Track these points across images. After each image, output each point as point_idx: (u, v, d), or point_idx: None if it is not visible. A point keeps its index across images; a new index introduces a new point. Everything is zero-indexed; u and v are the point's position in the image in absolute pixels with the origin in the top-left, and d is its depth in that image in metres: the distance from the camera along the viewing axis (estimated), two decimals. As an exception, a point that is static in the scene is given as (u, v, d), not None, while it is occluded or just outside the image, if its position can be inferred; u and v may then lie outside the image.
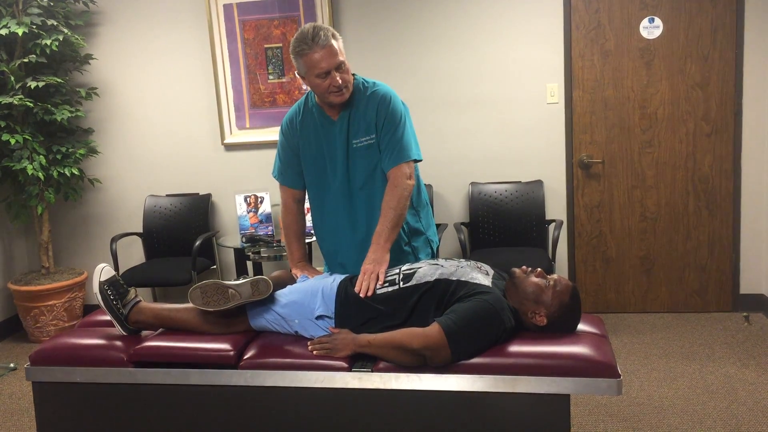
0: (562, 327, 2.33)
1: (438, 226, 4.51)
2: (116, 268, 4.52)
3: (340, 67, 2.47)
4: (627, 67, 4.40)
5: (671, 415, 3.20)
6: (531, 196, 4.51)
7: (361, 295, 2.38)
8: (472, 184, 4.59)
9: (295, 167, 2.77)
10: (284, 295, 2.45)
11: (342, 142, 2.62)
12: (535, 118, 4.52)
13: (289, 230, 2.88)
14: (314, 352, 2.29)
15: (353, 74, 2.61)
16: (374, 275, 2.43)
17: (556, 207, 4.59)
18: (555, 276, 2.36)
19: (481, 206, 4.54)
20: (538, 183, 4.52)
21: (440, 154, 4.64)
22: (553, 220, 4.44)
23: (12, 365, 4.19)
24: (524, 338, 2.29)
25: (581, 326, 2.42)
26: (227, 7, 4.62)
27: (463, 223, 4.54)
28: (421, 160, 2.69)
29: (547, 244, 4.45)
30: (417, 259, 2.71)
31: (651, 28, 4.34)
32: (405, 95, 4.59)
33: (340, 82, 2.48)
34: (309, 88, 2.61)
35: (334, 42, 2.46)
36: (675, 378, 3.59)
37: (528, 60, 4.47)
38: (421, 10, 4.52)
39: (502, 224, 4.51)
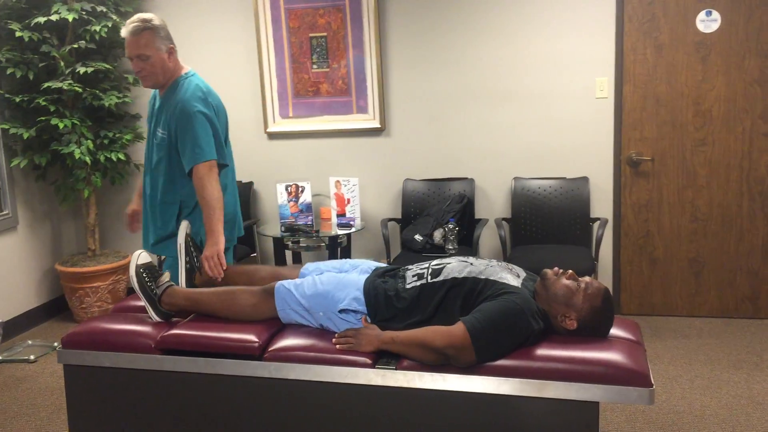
0: (593, 331, 2.25)
1: (478, 221, 4.44)
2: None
3: (140, 57, 2.83)
4: (681, 61, 4.23)
5: (712, 425, 3.08)
6: (576, 192, 4.39)
7: (216, 276, 2.70)
8: (515, 179, 4.49)
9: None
10: (310, 286, 2.43)
11: (152, 124, 3.01)
12: (582, 112, 4.40)
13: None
14: (338, 346, 2.27)
15: (189, 72, 2.96)
16: (214, 259, 2.72)
17: (601, 205, 4.46)
18: (587, 278, 2.28)
19: (524, 202, 4.44)
20: (584, 180, 4.40)
21: (483, 148, 4.56)
22: (598, 219, 4.32)
23: (56, 344, 4.29)
24: (553, 342, 2.22)
25: (614, 331, 2.33)
26: (273, -4, 4.62)
27: (504, 219, 4.46)
28: (213, 160, 2.85)
29: (590, 243, 4.33)
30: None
31: (708, 22, 4.16)
32: (448, 86, 4.54)
33: (136, 69, 2.86)
34: None
35: (144, 34, 2.81)
36: (719, 386, 3.46)
37: (577, 53, 4.34)
38: (469, 0, 4.43)
39: (545, 221, 4.40)
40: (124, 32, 2.85)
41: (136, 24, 2.82)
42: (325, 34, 4.61)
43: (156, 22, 2.85)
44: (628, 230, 4.47)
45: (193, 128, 2.82)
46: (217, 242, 2.76)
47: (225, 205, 2.91)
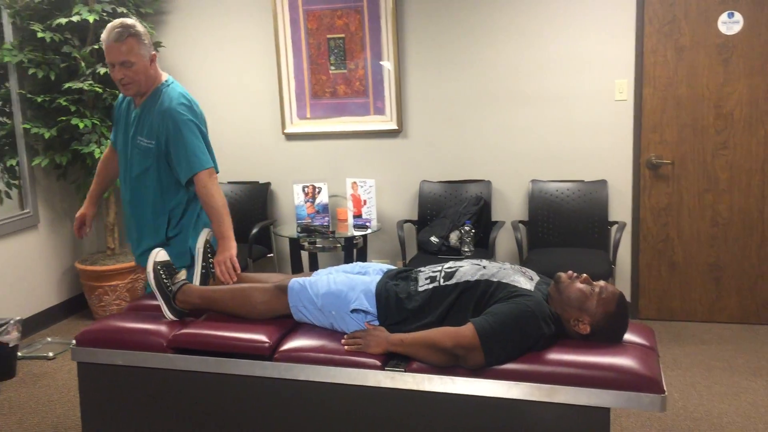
0: (606, 336, 2.22)
1: (495, 223, 4.41)
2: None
3: (124, 64, 2.74)
4: (702, 64, 4.17)
5: (729, 434, 3.03)
6: (594, 196, 4.35)
7: (231, 281, 2.68)
8: (533, 181, 4.46)
9: None
10: (323, 285, 2.43)
11: (131, 133, 2.90)
12: (601, 115, 4.35)
13: (99, 169, 3.25)
14: (346, 348, 2.27)
15: (169, 80, 2.90)
16: (227, 264, 2.71)
17: (620, 208, 4.41)
18: (601, 283, 2.26)
19: (541, 205, 4.41)
20: (602, 183, 4.36)
21: (501, 150, 4.53)
22: (616, 222, 4.27)
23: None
24: (565, 346, 2.20)
25: (628, 336, 2.30)
26: (292, -3, 4.63)
27: (521, 221, 4.43)
28: (211, 167, 2.85)
29: (608, 247, 4.28)
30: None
31: (730, 24, 4.10)
32: (466, 88, 4.52)
33: (119, 76, 2.76)
34: None
35: (128, 40, 2.72)
36: (738, 393, 3.40)
37: (596, 54, 4.30)
38: (486, 1, 4.41)
39: (562, 224, 4.36)
40: (105, 38, 2.75)
41: (119, 30, 2.73)
42: (343, 35, 4.62)
43: (139, 28, 2.78)
44: (647, 234, 4.42)
45: (185, 137, 2.79)
46: (230, 247, 2.76)
47: (189, 229, 2.94)
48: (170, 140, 2.79)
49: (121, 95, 3.02)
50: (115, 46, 2.72)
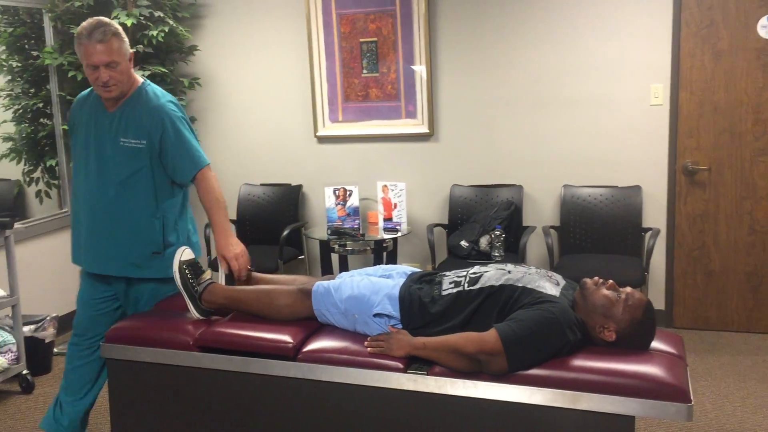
0: (632, 344, 2.19)
1: (525, 228, 4.38)
2: (208, 253, 4.68)
3: (109, 65, 2.59)
4: (741, 68, 4.08)
5: (763, 447, 2.96)
6: (628, 201, 4.28)
7: (242, 276, 2.70)
8: (565, 186, 4.41)
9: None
10: (346, 289, 2.44)
11: (111, 136, 2.72)
12: (636, 120, 4.29)
13: None
14: (369, 350, 2.27)
15: (145, 81, 2.80)
16: (245, 256, 2.72)
17: (654, 215, 4.34)
18: (628, 289, 2.22)
19: (573, 210, 4.36)
20: (636, 188, 4.29)
21: (533, 154, 4.50)
22: (650, 229, 4.20)
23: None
24: (590, 353, 2.17)
25: (656, 344, 2.26)
26: (325, 1, 4.66)
27: (552, 227, 4.38)
28: (209, 163, 2.83)
29: (641, 254, 4.21)
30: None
31: (770, 27, 4.01)
32: (498, 92, 4.50)
33: (105, 78, 2.59)
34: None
35: (113, 40, 2.59)
36: (773, 406, 3.32)
37: (631, 59, 4.24)
38: (520, 6, 4.38)
39: (595, 230, 4.31)
40: (85, 39, 2.57)
41: (102, 29, 2.57)
42: (375, 39, 4.63)
43: (118, 25, 2.66)
44: (683, 241, 4.34)
45: (183, 134, 2.73)
46: (237, 242, 2.75)
47: (186, 231, 2.90)
48: (167, 139, 2.71)
49: (79, 99, 2.89)
50: (102, 48, 2.56)
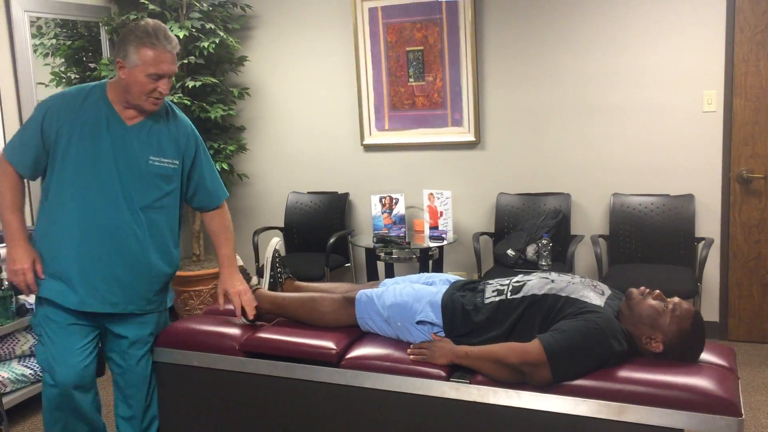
0: (680, 355, 2.14)
1: (573, 237, 4.32)
2: (257, 260, 4.75)
3: (171, 77, 2.37)
4: (799, 73, 3.97)
5: (822, 465, 2.84)
6: (680, 210, 4.19)
7: (250, 317, 2.60)
8: (615, 195, 4.34)
9: (36, 151, 2.41)
10: (389, 297, 2.45)
11: (136, 154, 2.41)
12: (688, 127, 4.20)
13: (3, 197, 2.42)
14: (411, 357, 2.27)
15: None
16: (247, 295, 2.62)
17: (708, 224, 4.23)
18: (675, 299, 2.18)
19: (623, 219, 4.28)
20: (689, 197, 4.19)
21: (582, 162, 4.44)
22: (704, 238, 4.10)
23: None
24: (637, 364, 2.13)
25: (706, 356, 2.21)
26: (372, 11, 4.70)
27: (601, 236, 4.31)
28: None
29: (694, 264, 4.11)
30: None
31: (830, 30, 3.88)
32: (546, 100, 4.46)
33: (166, 90, 2.36)
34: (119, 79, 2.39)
35: (176, 51, 2.37)
36: (833, 423, 3.19)
37: (683, 64, 4.15)
38: (568, 12, 4.34)
39: (645, 239, 4.22)
40: (162, 42, 2.30)
41: (171, 36, 2.34)
42: (421, 47, 4.65)
43: None
44: (738, 251, 4.22)
45: (209, 157, 2.65)
46: (239, 276, 2.68)
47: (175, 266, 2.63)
48: (200, 162, 2.57)
49: (66, 99, 2.46)
50: (172, 56, 2.34)
